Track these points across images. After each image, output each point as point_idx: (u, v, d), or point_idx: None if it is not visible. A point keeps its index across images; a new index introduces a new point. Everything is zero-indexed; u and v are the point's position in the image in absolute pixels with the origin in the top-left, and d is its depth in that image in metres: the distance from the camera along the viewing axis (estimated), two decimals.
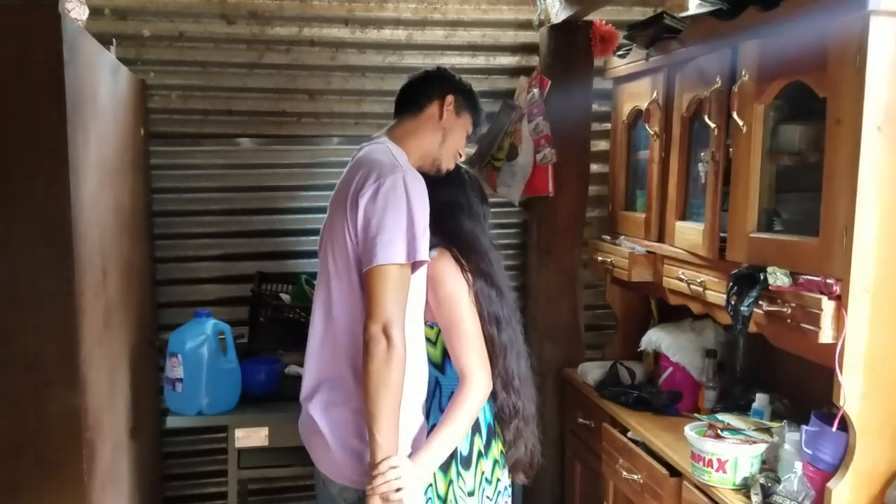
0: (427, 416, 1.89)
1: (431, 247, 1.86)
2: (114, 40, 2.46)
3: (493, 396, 1.91)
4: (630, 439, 2.39)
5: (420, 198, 1.69)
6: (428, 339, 1.89)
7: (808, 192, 1.81)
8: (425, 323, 1.86)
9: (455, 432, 1.80)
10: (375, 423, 1.62)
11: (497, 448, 1.96)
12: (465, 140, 1.98)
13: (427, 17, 3.05)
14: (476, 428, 1.92)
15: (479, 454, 1.92)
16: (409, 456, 1.74)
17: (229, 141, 3.02)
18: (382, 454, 1.63)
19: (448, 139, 1.91)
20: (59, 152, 1.63)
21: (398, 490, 1.64)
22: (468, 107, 1.95)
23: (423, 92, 1.91)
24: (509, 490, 2.02)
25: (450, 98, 1.90)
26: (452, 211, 1.93)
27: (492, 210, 2.13)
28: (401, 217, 1.64)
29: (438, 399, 1.92)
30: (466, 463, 1.90)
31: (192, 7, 2.88)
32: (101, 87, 2.02)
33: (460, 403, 1.80)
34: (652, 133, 2.49)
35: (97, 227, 1.93)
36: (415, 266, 1.69)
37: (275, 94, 3.01)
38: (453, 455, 1.87)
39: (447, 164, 1.94)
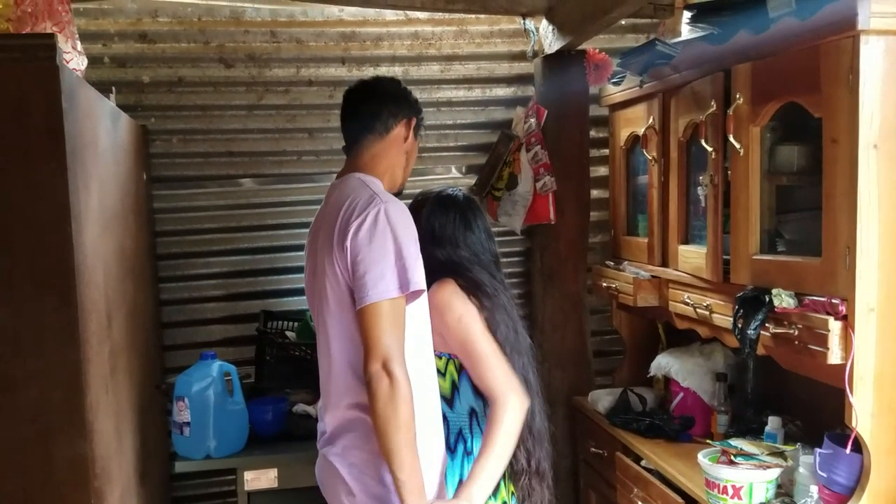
0: None
1: (435, 279, 1.83)
2: (113, 88, 2.49)
3: None
4: (644, 468, 2.35)
5: (405, 225, 1.65)
6: (437, 370, 1.82)
7: (809, 211, 1.80)
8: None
9: (499, 458, 1.74)
10: (394, 462, 1.58)
11: (507, 489, 1.87)
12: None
13: (422, 52, 3.08)
14: None
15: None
16: (455, 493, 1.71)
17: (231, 182, 3.05)
18: (409, 494, 1.58)
19: (409, 161, 1.89)
20: (59, 200, 1.63)
21: None
22: (420, 127, 1.91)
23: (388, 111, 1.82)
24: None
25: (414, 121, 1.86)
26: (460, 258, 1.89)
27: (495, 239, 2.04)
28: (387, 250, 1.61)
29: (446, 435, 1.83)
30: None
31: (191, 52, 2.92)
32: (101, 135, 2.04)
33: (497, 426, 1.74)
34: (650, 158, 2.50)
35: (100, 272, 1.93)
36: (411, 296, 1.65)
37: (275, 134, 3.04)
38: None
39: (404, 182, 1.91)
